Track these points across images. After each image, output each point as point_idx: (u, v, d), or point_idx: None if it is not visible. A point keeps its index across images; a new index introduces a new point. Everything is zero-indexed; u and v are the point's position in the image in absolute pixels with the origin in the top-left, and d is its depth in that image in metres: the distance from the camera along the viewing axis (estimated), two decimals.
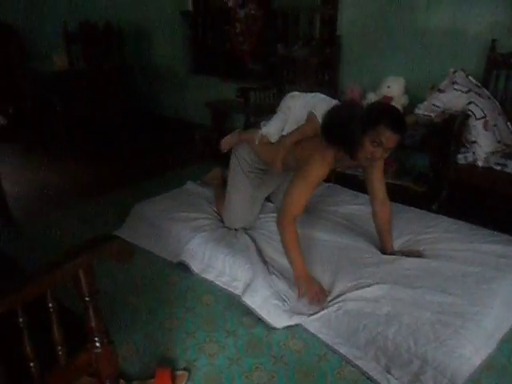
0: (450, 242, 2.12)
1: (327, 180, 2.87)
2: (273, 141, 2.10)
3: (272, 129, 2.10)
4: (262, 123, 2.17)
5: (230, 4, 4.19)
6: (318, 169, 1.85)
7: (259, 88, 3.39)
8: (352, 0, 3.12)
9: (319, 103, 1.95)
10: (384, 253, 2.09)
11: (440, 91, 2.56)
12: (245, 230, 2.32)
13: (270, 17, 3.90)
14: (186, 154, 3.95)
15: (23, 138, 4.18)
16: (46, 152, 3.93)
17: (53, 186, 3.27)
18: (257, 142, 2.17)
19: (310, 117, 1.95)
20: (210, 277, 2.06)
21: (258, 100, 3.38)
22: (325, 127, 1.79)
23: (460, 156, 2.44)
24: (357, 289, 1.77)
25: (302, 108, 2.02)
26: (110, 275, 2.09)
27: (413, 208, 2.50)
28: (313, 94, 2.06)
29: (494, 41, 2.60)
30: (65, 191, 3.18)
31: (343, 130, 1.72)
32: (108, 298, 1.92)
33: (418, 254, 2.04)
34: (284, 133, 2.09)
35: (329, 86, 3.31)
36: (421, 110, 2.63)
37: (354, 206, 2.54)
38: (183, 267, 2.13)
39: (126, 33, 4.32)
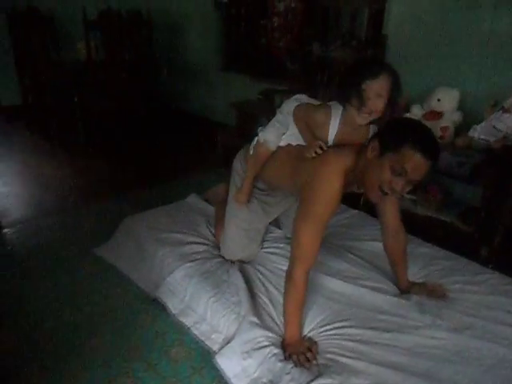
0: (497, 310, 1.63)
1: (354, 205, 2.44)
2: (272, 149, 1.70)
3: (269, 134, 1.69)
4: (259, 129, 1.77)
5: None
6: (326, 205, 1.42)
7: (287, 90, 2.97)
8: None
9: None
10: (399, 288, 1.75)
11: (504, 111, 2.04)
12: (242, 262, 1.93)
13: (311, 11, 3.47)
14: (207, 157, 3.63)
15: (40, 130, 4.02)
16: (58, 147, 3.74)
17: (54, 185, 3.05)
18: (251, 152, 1.78)
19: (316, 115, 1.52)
20: (187, 321, 1.69)
21: None
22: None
23: None
24: (357, 373, 1.33)
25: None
26: (74, 305, 1.80)
27: (454, 254, 2.01)
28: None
29: None
30: (64, 193, 2.94)
31: None
32: (64, 336, 1.62)
33: (439, 293, 1.70)
34: (283, 143, 1.68)
35: None
36: (476, 133, 2.12)
37: (381, 244, 2.07)
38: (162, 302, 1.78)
39: (156, 23, 4.03)
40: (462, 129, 2.30)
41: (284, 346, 1.46)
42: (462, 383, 1.30)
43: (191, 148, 3.89)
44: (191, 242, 2.02)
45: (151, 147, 3.89)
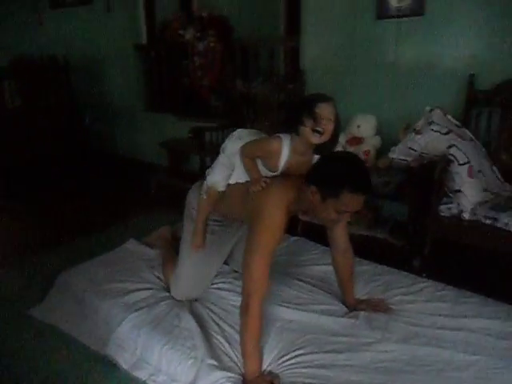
0: (437, 316, 1.74)
1: (293, 232, 2.52)
2: (221, 189, 1.75)
3: (217, 177, 1.75)
4: (206, 172, 1.82)
5: (188, 37, 3.90)
6: (271, 235, 1.48)
7: (216, 127, 3.04)
8: (315, 31, 2.85)
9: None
10: (346, 305, 1.83)
11: (416, 132, 2.25)
12: (192, 301, 1.89)
13: (230, 50, 3.61)
14: (140, 200, 3.54)
15: None
16: None
17: None
18: (205, 197, 1.80)
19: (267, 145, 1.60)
20: (142, 375, 1.60)
21: (214, 140, 3.02)
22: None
23: (443, 207, 2.11)
24: None
25: None
26: (13, 374, 1.64)
27: (391, 268, 2.13)
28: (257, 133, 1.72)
29: (471, 76, 2.33)
30: None
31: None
32: None
33: (383, 307, 1.80)
34: (232, 181, 1.74)
35: None
36: (395, 154, 2.31)
37: (324, 267, 2.13)
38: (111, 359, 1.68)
39: (75, 67, 3.95)
40: (382, 151, 2.50)
41: (245, 381, 1.44)
42: None
43: (123, 191, 3.77)
44: (135, 290, 1.93)
45: (80, 194, 3.71)
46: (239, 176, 1.69)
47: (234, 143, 1.68)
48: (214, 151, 2.96)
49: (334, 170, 1.41)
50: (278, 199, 1.50)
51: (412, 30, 2.47)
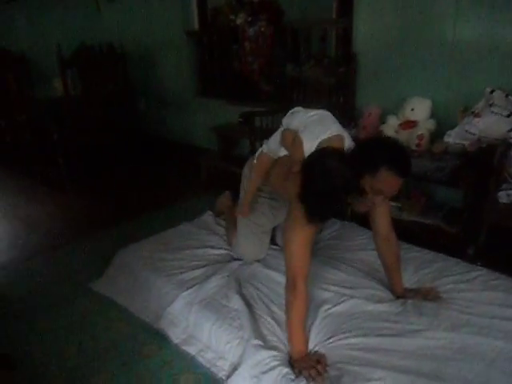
0: (490, 306, 1.69)
1: (343, 217, 2.50)
2: (273, 158, 1.87)
3: (272, 145, 1.85)
4: (264, 141, 1.94)
5: (239, 22, 3.92)
6: (305, 225, 1.49)
7: (266, 112, 3.05)
8: (368, 12, 2.76)
9: (312, 125, 1.61)
10: (394, 294, 1.80)
11: (475, 115, 2.15)
12: (239, 287, 1.92)
13: (281, 34, 3.59)
14: (191, 183, 3.65)
15: (20, 169, 3.99)
16: (40, 185, 3.71)
17: (39, 223, 3.01)
18: (255, 161, 1.94)
19: (293, 142, 1.65)
20: (191, 350, 1.69)
21: (264, 125, 3.04)
22: (302, 197, 1.44)
23: (501, 193, 2.02)
24: (369, 380, 1.36)
25: (296, 127, 1.70)
26: (76, 342, 1.79)
27: (443, 255, 2.08)
28: (314, 112, 1.70)
29: None
30: (50, 230, 2.90)
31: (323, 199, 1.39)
32: (71, 376, 1.60)
33: (434, 296, 1.74)
34: (281, 153, 1.81)
35: (344, 109, 2.94)
36: (451, 138, 2.22)
37: (372, 252, 2.11)
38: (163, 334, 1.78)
39: (130, 55, 4.10)
40: (436, 135, 2.40)
41: (292, 362, 1.47)
42: (468, 379, 1.34)
43: (175, 175, 3.91)
44: (186, 268, 2.03)
45: (135, 177, 3.89)
46: None
47: (288, 117, 1.75)
48: (264, 136, 2.99)
49: (374, 149, 1.42)
50: None
51: (472, 7, 2.33)
